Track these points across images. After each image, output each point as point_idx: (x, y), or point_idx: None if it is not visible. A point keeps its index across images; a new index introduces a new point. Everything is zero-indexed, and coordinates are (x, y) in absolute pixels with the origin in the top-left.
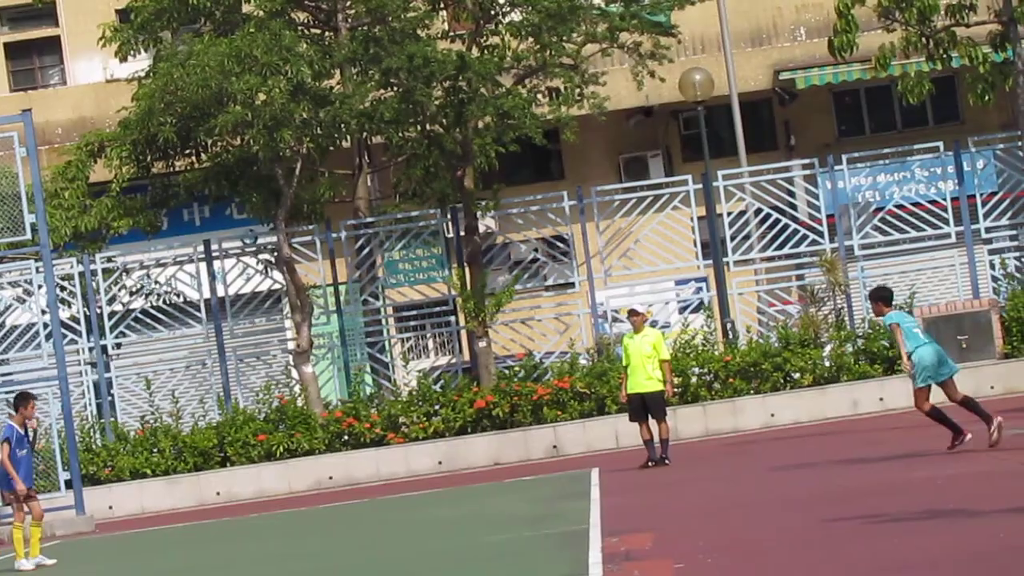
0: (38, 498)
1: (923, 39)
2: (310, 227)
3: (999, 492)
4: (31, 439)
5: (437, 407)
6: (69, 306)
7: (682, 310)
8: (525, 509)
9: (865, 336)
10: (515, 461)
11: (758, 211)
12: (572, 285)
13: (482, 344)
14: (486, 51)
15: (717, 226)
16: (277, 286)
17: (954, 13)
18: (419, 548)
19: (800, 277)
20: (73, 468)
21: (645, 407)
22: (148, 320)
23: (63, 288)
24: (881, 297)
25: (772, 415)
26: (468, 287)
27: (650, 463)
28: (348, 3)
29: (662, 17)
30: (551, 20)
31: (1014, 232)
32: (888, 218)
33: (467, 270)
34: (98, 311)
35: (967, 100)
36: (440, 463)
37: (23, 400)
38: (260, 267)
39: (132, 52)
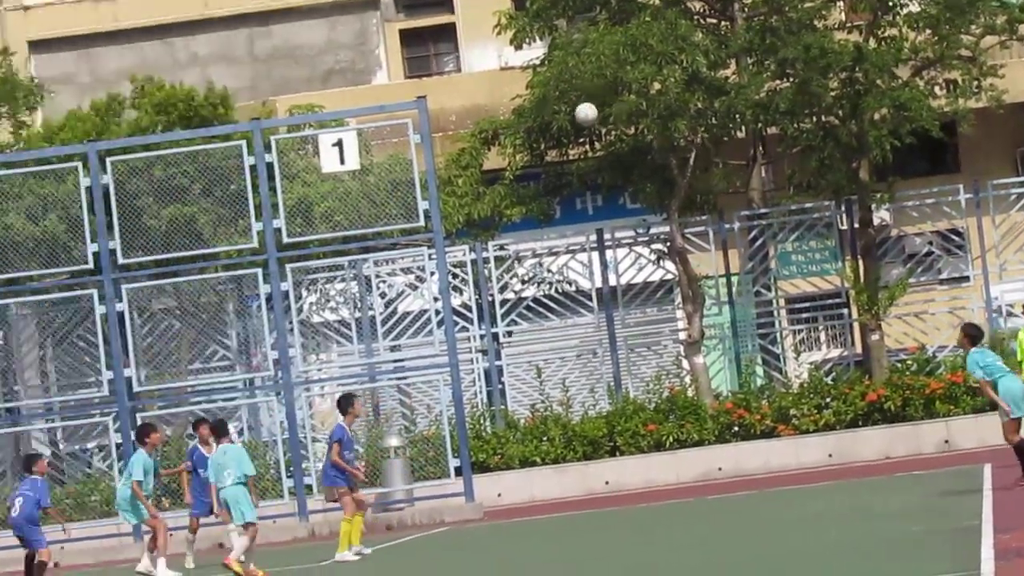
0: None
1: None
2: (703, 217)
3: None
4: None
5: (828, 400)
6: (461, 293)
7: None
8: (915, 504)
9: None
10: (905, 455)
11: None
12: (966, 279)
13: (875, 337)
14: (883, 42)
15: None
16: (669, 276)
17: None
18: (805, 541)
19: None
20: (463, 455)
21: None
22: (539, 308)
23: (455, 275)
24: (968, 335)
25: None
26: (861, 280)
27: None
28: None
29: None
30: (949, 12)
31: None
32: None
33: (860, 262)
34: (489, 299)
35: None
36: (830, 455)
37: (349, 401)
38: (652, 257)
39: (527, 40)
